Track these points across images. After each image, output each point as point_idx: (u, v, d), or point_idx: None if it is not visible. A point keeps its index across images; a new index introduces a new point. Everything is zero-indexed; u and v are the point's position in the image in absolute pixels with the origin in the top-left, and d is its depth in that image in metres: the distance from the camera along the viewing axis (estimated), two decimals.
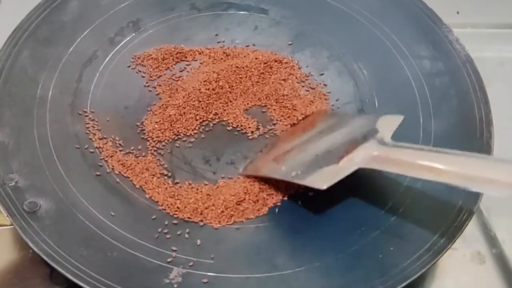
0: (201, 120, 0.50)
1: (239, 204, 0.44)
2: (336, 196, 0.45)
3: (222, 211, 0.44)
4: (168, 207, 0.44)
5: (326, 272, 0.40)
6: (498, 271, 0.47)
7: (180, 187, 0.46)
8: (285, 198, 0.45)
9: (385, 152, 0.40)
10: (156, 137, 0.49)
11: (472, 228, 0.49)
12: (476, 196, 0.43)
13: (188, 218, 0.44)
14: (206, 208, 0.44)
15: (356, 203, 0.44)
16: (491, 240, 0.49)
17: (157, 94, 0.51)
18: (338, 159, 0.42)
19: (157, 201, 0.45)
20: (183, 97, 0.51)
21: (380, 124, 0.43)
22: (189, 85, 0.52)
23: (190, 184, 0.46)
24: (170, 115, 0.49)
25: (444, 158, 0.38)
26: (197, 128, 0.50)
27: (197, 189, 0.46)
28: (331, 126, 0.47)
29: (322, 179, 0.41)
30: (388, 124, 0.43)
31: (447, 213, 0.42)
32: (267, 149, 0.48)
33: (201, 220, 0.44)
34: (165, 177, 0.46)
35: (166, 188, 0.45)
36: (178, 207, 0.44)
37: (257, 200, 0.45)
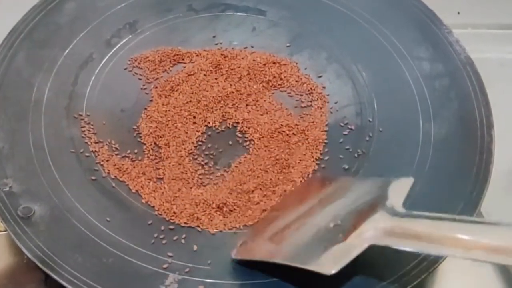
0: (198, 124, 0.50)
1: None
2: None
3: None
4: (165, 212, 0.44)
5: (322, 279, 0.40)
6: (499, 274, 0.47)
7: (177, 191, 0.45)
8: None
9: (399, 224, 0.35)
10: (153, 140, 0.48)
11: None
12: (477, 200, 0.43)
13: (185, 223, 0.43)
14: (202, 214, 0.44)
15: None
16: None
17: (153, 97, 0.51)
18: (344, 236, 0.36)
19: (153, 206, 0.44)
20: (180, 100, 0.50)
21: (388, 189, 0.38)
22: (186, 88, 0.51)
23: (186, 188, 0.45)
24: (167, 118, 0.49)
25: (476, 228, 0.32)
26: (193, 131, 0.49)
27: (194, 194, 0.45)
28: (331, 194, 0.42)
29: (330, 262, 0.35)
30: (398, 189, 0.38)
31: None
32: (261, 224, 0.43)
33: (198, 226, 0.43)
34: (162, 182, 0.46)
35: (163, 193, 0.45)
36: (174, 212, 0.44)
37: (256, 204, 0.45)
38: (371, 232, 0.36)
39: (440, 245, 0.33)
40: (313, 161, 0.48)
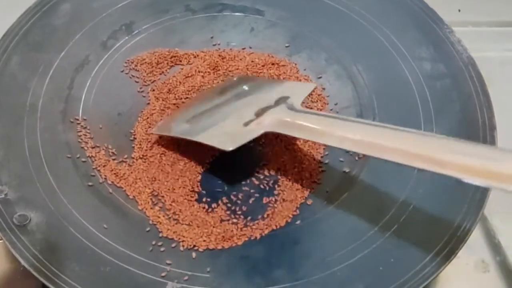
0: None
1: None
2: (334, 207, 0.44)
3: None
4: (159, 223, 0.43)
5: (324, 286, 0.39)
6: (502, 279, 0.46)
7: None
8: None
9: (292, 117, 0.42)
10: (149, 144, 0.48)
11: (475, 235, 0.47)
12: (481, 202, 0.42)
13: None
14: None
15: (355, 213, 0.43)
16: (495, 247, 0.48)
17: (150, 100, 0.50)
18: (247, 123, 0.43)
19: (148, 217, 0.43)
20: (177, 103, 0.49)
21: (291, 90, 0.45)
22: (184, 90, 0.50)
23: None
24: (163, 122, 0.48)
25: (346, 125, 0.39)
26: None
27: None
28: (247, 90, 0.48)
29: (229, 141, 0.43)
30: (300, 91, 0.45)
31: (449, 223, 0.41)
32: (182, 108, 0.49)
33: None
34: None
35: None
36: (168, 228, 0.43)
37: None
38: (269, 121, 0.43)
39: (322, 136, 0.40)
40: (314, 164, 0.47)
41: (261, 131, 0.42)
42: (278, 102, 0.44)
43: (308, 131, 0.41)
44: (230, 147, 0.42)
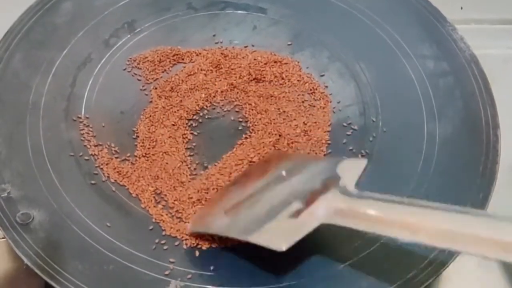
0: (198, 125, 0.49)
1: None
2: None
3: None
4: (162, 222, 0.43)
5: (329, 283, 0.39)
6: (506, 278, 0.46)
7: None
8: None
9: (350, 205, 0.36)
10: (151, 143, 0.47)
11: None
12: (484, 201, 0.42)
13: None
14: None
15: None
16: None
17: (152, 98, 0.50)
18: (297, 213, 0.37)
19: (151, 214, 0.43)
20: (180, 101, 0.50)
21: (342, 169, 0.39)
22: (186, 88, 0.50)
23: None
24: (163, 121, 0.49)
25: (421, 212, 0.33)
26: (193, 133, 0.48)
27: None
28: (287, 171, 0.42)
29: (281, 238, 0.35)
30: (351, 169, 0.39)
31: None
32: (217, 197, 0.43)
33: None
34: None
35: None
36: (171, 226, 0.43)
37: None
38: (323, 211, 0.36)
39: (388, 228, 0.33)
40: None
41: (316, 224, 0.36)
42: (328, 185, 0.37)
43: (373, 221, 0.34)
44: (283, 247, 0.35)
